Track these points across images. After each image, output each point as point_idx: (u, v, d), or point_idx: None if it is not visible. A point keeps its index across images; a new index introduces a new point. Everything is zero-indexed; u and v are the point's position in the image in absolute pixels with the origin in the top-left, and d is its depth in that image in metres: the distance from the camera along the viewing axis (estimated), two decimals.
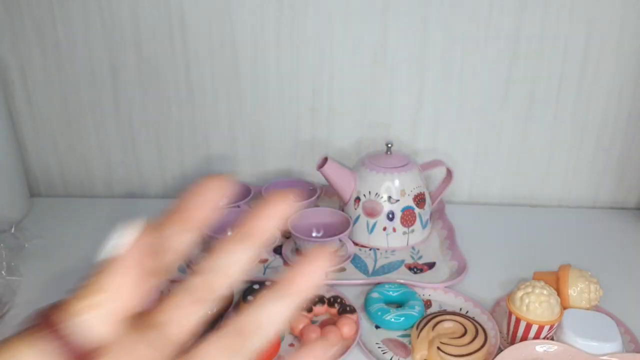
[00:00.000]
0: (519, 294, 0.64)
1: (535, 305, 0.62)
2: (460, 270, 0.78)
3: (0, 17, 0.91)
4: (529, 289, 0.64)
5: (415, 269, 0.81)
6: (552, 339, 0.64)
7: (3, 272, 0.75)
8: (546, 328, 0.63)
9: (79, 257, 0.84)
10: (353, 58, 0.93)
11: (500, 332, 0.67)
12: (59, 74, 0.95)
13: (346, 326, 0.66)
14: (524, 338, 0.64)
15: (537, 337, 0.63)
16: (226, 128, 0.99)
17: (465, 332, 0.65)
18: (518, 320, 0.64)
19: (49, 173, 1.04)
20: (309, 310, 0.69)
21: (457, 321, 0.67)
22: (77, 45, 0.93)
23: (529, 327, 0.63)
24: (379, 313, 0.69)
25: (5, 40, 0.92)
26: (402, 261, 0.83)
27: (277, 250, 0.84)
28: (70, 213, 0.97)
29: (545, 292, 0.63)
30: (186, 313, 0.25)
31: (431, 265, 0.82)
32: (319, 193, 0.92)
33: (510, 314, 0.65)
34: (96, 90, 0.96)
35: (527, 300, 0.63)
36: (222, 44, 0.92)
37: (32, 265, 0.81)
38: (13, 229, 0.85)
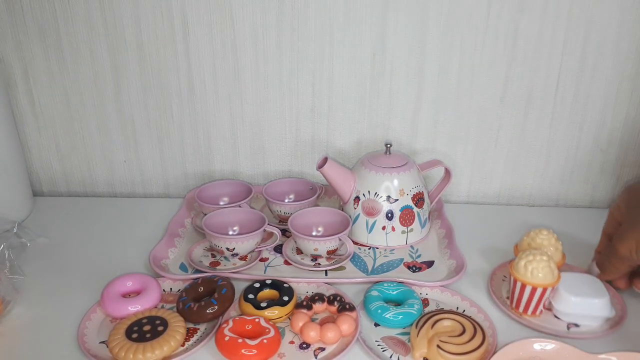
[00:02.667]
0: (522, 262, 0.70)
1: (538, 270, 0.69)
2: (459, 268, 0.79)
3: (3, 18, 0.91)
4: (530, 257, 0.70)
5: (414, 267, 0.82)
6: (549, 301, 0.71)
7: (6, 271, 0.75)
8: (549, 290, 0.69)
9: (81, 256, 0.85)
10: (353, 58, 0.93)
11: (499, 299, 0.74)
12: (61, 74, 0.96)
13: (346, 324, 0.66)
14: (529, 301, 0.70)
15: (540, 298, 0.69)
16: (227, 128, 1.00)
17: (464, 331, 0.66)
18: (523, 286, 0.69)
19: (52, 172, 1.05)
20: (309, 308, 0.70)
21: (455, 320, 0.67)
22: (80, 45, 0.93)
23: (534, 290, 0.69)
24: (379, 311, 0.69)
25: (8, 41, 0.93)
26: (401, 260, 0.84)
27: (278, 249, 0.85)
28: (73, 212, 0.97)
29: (545, 258, 0.69)
30: None
31: (430, 264, 0.83)
32: (319, 193, 0.93)
33: (515, 281, 0.70)
34: (98, 91, 0.97)
35: (530, 268, 0.69)
36: (223, 45, 0.93)
37: (35, 264, 0.82)
38: (16, 228, 0.85)
